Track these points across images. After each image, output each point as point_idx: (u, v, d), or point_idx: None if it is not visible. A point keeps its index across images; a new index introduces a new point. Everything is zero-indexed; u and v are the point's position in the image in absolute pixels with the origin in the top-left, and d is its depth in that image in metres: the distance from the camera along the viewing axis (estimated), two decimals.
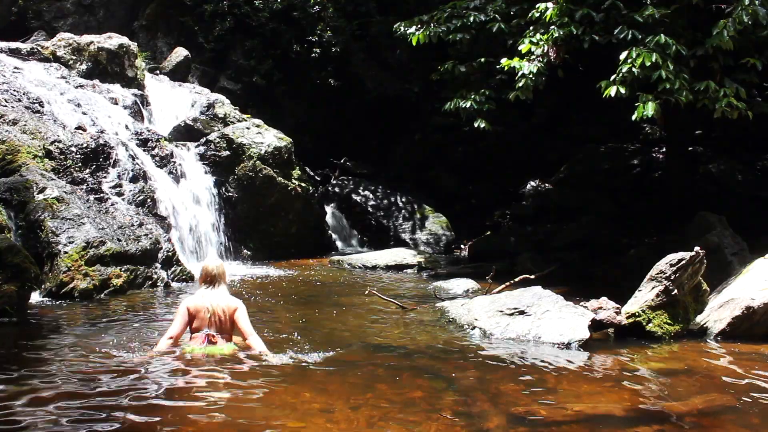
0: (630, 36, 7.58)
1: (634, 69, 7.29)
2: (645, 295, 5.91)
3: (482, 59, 9.26)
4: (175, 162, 10.38)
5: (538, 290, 6.23)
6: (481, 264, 10.19)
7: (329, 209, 13.56)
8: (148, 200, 9.14)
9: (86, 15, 15.27)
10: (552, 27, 8.01)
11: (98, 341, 5.18)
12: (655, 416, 3.96)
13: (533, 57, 8.09)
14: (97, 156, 8.96)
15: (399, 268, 10.25)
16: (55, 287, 6.91)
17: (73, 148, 8.76)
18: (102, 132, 9.66)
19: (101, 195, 8.53)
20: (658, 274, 5.92)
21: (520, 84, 8.14)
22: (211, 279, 4.99)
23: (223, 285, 5.01)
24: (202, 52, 15.35)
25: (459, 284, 8.46)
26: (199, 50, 15.22)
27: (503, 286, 7.62)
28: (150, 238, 8.14)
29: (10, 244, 6.36)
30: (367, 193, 14.15)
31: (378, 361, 4.82)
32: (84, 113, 9.98)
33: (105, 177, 8.88)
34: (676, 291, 5.84)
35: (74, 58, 11.72)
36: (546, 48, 8.02)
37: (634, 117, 7.45)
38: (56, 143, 8.64)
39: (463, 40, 9.19)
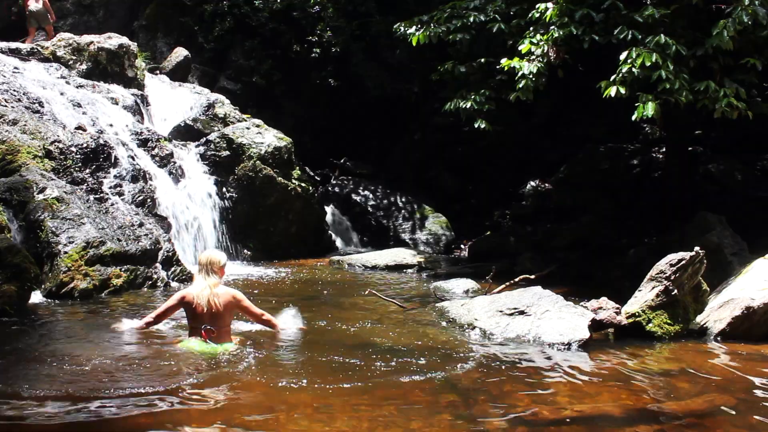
0: (630, 36, 7.57)
1: (634, 69, 7.29)
2: (645, 295, 5.91)
3: (482, 59, 9.25)
4: (175, 162, 10.38)
5: (538, 290, 6.23)
6: (481, 264, 10.18)
7: (329, 209, 13.54)
8: (148, 200, 9.14)
9: (86, 15, 15.28)
10: (552, 27, 8.01)
11: (98, 341, 5.18)
12: (655, 416, 3.96)
13: (533, 57, 8.09)
14: (97, 156, 8.96)
15: (399, 268, 10.24)
16: (55, 287, 6.91)
17: (73, 148, 8.76)
18: (102, 132, 9.66)
19: (101, 195, 8.53)
20: (658, 274, 5.92)
21: (521, 84, 8.14)
22: (204, 269, 5.04)
23: (216, 276, 5.04)
24: (202, 52, 15.34)
25: (459, 284, 8.45)
26: (199, 50, 15.21)
27: (503, 286, 7.62)
28: (150, 238, 8.14)
29: (10, 244, 6.36)
30: (367, 193, 14.14)
31: (378, 361, 4.82)
32: (84, 113, 9.98)
33: (105, 177, 8.88)
34: (676, 291, 5.84)
35: (74, 58, 11.71)
36: (546, 48, 8.02)
37: (634, 117, 7.45)
38: (56, 143, 8.64)
39: (463, 40, 9.17)
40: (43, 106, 9.44)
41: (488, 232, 13.27)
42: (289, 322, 5.69)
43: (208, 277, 5.00)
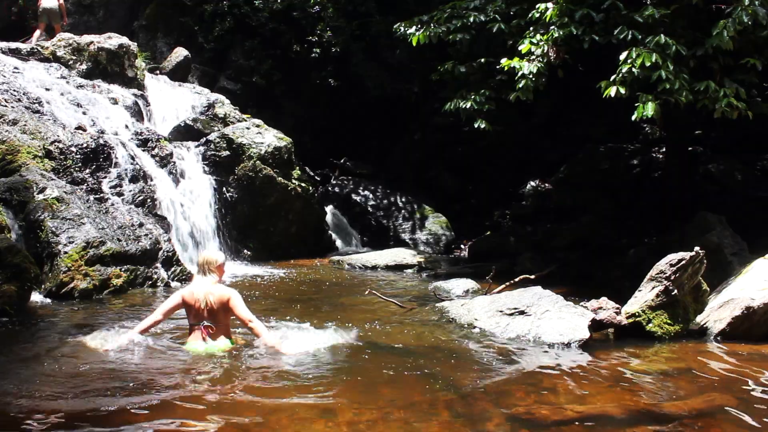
0: (630, 36, 7.58)
1: (634, 69, 7.29)
2: (645, 295, 5.91)
3: (482, 59, 9.25)
4: (175, 162, 10.38)
5: (538, 290, 6.23)
6: (481, 264, 10.19)
7: (329, 209, 13.55)
8: (148, 200, 9.14)
9: (86, 15, 15.28)
10: (552, 27, 8.01)
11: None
12: (655, 416, 3.96)
13: (533, 57, 8.09)
14: (97, 156, 8.96)
15: (399, 268, 10.25)
16: (55, 287, 6.91)
17: (73, 148, 8.76)
18: (102, 132, 9.66)
19: (101, 195, 8.53)
20: (658, 274, 5.92)
21: (521, 85, 8.14)
22: (201, 268, 5.04)
23: (214, 275, 5.04)
24: (202, 52, 15.34)
25: (459, 284, 8.45)
26: (199, 50, 15.22)
27: (503, 286, 7.62)
28: (150, 238, 8.14)
29: (10, 244, 6.36)
30: (367, 193, 14.15)
31: (378, 361, 4.82)
32: (84, 113, 9.98)
33: (105, 177, 8.88)
34: (676, 291, 5.84)
35: (74, 58, 11.71)
36: (546, 48, 8.02)
37: (634, 117, 7.45)
38: (56, 143, 8.64)
39: (463, 40, 9.18)
40: (43, 106, 9.44)
41: (488, 232, 13.28)
42: (288, 343, 5.02)
43: (205, 277, 5.03)
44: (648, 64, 7.19)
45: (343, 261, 10.62)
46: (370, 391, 4.18)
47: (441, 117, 12.11)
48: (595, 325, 5.75)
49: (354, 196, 14.01)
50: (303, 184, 11.92)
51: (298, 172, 12.07)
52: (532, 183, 14.51)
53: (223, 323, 5.00)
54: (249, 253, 10.87)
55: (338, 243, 12.98)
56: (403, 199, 14.04)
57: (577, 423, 3.80)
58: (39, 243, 7.22)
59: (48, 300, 6.82)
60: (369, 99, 15.74)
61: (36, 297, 6.74)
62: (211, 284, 5.01)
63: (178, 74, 13.97)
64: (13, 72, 10.12)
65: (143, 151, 10.04)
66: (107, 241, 7.53)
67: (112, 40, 12.11)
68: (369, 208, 13.79)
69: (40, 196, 7.56)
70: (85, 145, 8.90)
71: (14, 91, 9.40)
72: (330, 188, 14.39)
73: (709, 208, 9.33)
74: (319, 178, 14.91)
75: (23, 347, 5.02)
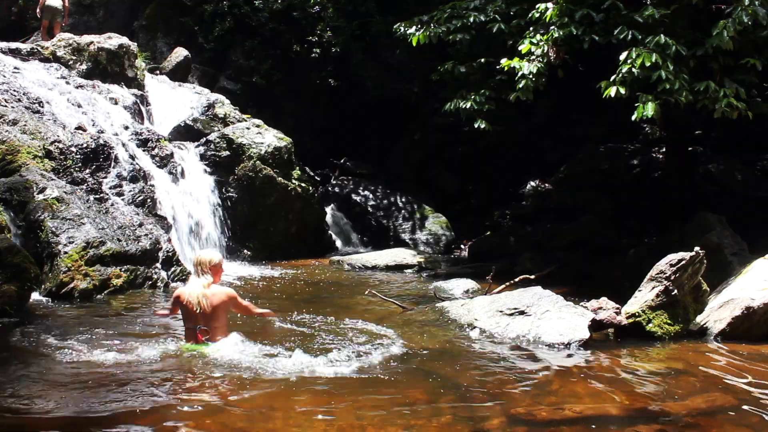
0: (630, 36, 7.58)
1: (634, 69, 7.29)
2: (645, 295, 5.91)
3: (482, 59, 9.26)
4: (175, 162, 10.38)
5: (538, 290, 6.23)
6: (481, 264, 10.18)
7: (329, 209, 13.55)
8: (148, 200, 9.14)
9: (86, 15, 15.28)
10: (552, 27, 8.02)
11: (97, 341, 5.18)
12: (655, 416, 3.96)
13: (533, 57, 8.09)
14: (97, 156, 8.96)
15: (399, 268, 10.25)
16: (55, 287, 6.90)
17: (73, 148, 8.76)
18: (102, 132, 9.66)
19: (101, 195, 8.53)
20: (658, 274, 5.92)
21: (521, 85, 8.14)
22: (196, 269, 5.00)
23: (208, 276, 4.94)
24: (202, 52, 15.35)
25: (459, 284, 8.45)
26: (199, 50, 15.22)
27: (503, 286, 7.62)
28: (150, 238, 8.13)
29: (10, 244, 6.35)
30: (366, 193, 14.15)
31: (377, 362, 4.81)
32: (84, 113, 9.97)
33: (105, 177, 8.87)
34: (676, 291, 5.84)
35: (74, 58, 11.71)
36: (546, 48, 8.02)
37: (634, 117, 7.46)
38: (56, 143, 8.64)
39: (463, 40, 9.18)
40: (43, 106, 9.43)
41: (488, 232, 13.27)
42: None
43: (199, 278, 4.95)
44: (648, 64, 7.19)
45: (343, 261, 10.62)
46: (370, 391, 4.18)
47: (441, 117, 12.11)
48: (595, 325, 5.75)
49: (354, 196, 14.00)
50: (303, 184, 11.92)
51: (298, 172, 12.07)
52: (532, 183, 14.51)
53: (219, 324, 4.94)
54: (249, 253, 10.87)
55: (338, 243, 12.98)
56: (403, 199, 14.04)
57: (576, 423, 3.81)
58: (39, 243, 7.21)
59: (48, 300, 6.81)
60: (369, 99, 15.73)
61: (36, 297, 6.73)
62: (206, 286, 4.88)
63: (178, 74, 13.96)
64: (13, 72, 10.11)
65: (143, 151, 10.04)
66: (107, 241, 7.52)
67: (112, 40, 12.11)
68: (369, 208, 13.79)
69: (40, 196, 7.56)
70: (85, 145, 8.89)
71: (14, 91, 9.40)
72: (330, 188, 14.39)
73: (709, 208, 9.32)
74: (319, 178, 14.90)
75: (23, 347, 5.02)
